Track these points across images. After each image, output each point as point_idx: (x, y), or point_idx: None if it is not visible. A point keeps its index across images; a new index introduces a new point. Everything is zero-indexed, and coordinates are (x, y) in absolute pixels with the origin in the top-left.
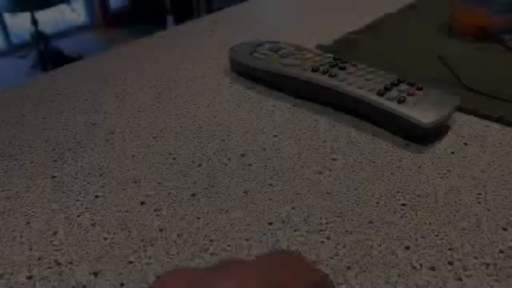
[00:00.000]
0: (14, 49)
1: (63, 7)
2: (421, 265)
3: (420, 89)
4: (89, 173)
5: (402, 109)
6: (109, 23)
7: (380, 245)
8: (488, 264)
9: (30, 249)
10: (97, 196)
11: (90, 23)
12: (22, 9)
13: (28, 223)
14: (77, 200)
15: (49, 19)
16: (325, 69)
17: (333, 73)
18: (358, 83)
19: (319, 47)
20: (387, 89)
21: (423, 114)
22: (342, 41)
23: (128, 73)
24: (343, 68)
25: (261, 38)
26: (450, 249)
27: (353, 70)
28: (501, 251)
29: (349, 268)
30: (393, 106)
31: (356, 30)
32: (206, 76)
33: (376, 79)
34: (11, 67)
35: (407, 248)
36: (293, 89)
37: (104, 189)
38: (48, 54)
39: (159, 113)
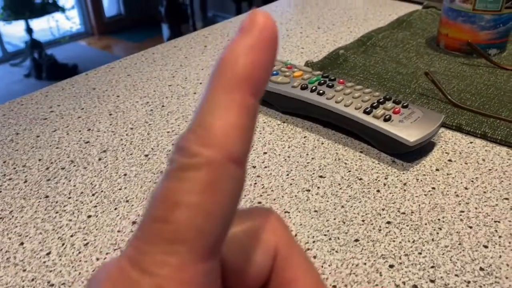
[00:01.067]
0: (8, 57)
1: (57, 15)
2: (404, 283)
3: (405, 107)
4: (81, 192)
5: (387, 127)
6: (104, 31)
7: (365, 264)
8: (468, 282)
9: (24, 270)
10: (89, 216)
11: (85, 31)
12: (17, 17)
13: (22, 243)
14: (70, 220)
15: (44, 27)
16: (314, 87)
17: (321, 91)
18: (346, 101)
19: (309, 63)
20: (373, 107)
21: (408, 132)
22: (331, 57)
23: (121, 90)
24: (331, 86)
25: None
26: (432, 267)
27: (341, 87)
28: (481, 269)
29: (334, 287)
30: (379, 124)
31: (345, 45)
32: (198, 92)
33: (363, 97)
34: (5, 75)
35: (391, 266)
36: (282, 105)
37: (96, 208)
38: (42, 62)
39: (151, 130)
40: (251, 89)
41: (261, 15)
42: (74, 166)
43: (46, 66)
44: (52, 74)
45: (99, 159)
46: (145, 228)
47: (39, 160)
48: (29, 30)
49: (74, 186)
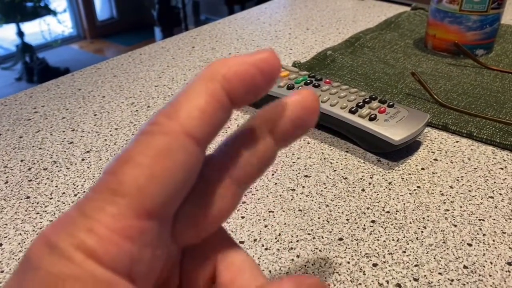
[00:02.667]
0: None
1: (49, 18)
2: (387, 282)
3: (391, 106)
4: (63, 193)
5: (373, 127)
6: (96, 35)
7: (348, 262)
8: (452, 280)
9: (2, 271)
10: None
11: (77, 35)
12: (8, 21)
13: (1, 244)
14: (51, 221)
15: (36, 30)
16: (300, 87)
17: None
18: (332, 100)
19: (296, 64)
20: (359, 106)
21: (393, 132)
22: (319, 58)
23: (107, 90)
24: (317, 86)
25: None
26: (416, 265)
27: (327, 87)
28: (465, 267)
29: None
30: (364, 123)
31: (333, 46)
32: None
33: (349, 97)
34: None
35: (375, 265)
36: None
37: None
38: (33, 65)
39: (136, 131)
40: (226, 86)
41: (269, 52)
42: (57, 166)
43: (37, 69)
44: (44, 78)
45: (83, 160)
46: (98, 180)
47: (21, 160)
48: (20, 34)
49: (56, 186)
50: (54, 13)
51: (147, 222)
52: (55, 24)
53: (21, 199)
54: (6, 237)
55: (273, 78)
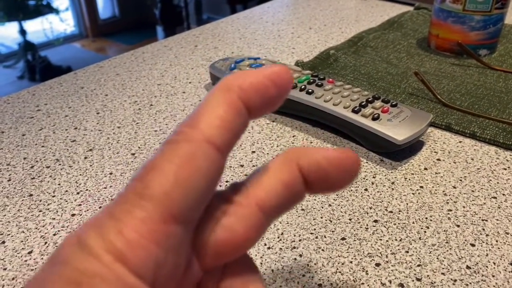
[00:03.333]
0: (2, 58)
1: (51, 17)
2: (390, 282)
3: (394, 106)
4: (66, 191)
5: (376, 126)
6: (99, 33)
7: (351, 262)
8: (455, 280)
9: (4, 269)
10: (73, 215)
11: (79, 33)
12: (10, 19)
13: (4, 242)
14: (54, 219)
15: (38, 29)
16: (303, 86)
17: (310, 90)
18: (334, 100)
19: (299, 63)
20: (362, 106)
21: (396, 131)
22: (322, 57)
23: (109, 89)
24: (320, 85)
25: (242, 54)
26: (419, 265)
27: (330, 87)
28: (468, 267)
29: (320, 285)
30: (367, 123)
31: (336, 45)
32: (187, 91)
33: (352, 96)
34: None
35: (378, 265)
36: None
37: (80, 207)
38: (35, 64)
39: (138, 129)
40: (242, 96)
41: (282, 66)
42: (60, 164)
43: (39, 68)
44: (46, 76)
45: (85, 158)
46: (125, 187)
47: (24, 158)
48: (22, 32)
49: (59, 184)
50: (56, 11)
51: (173, 227)
52: (57, 23)
53: (24, 196)
54: (9, 234)
55: (285, 90)
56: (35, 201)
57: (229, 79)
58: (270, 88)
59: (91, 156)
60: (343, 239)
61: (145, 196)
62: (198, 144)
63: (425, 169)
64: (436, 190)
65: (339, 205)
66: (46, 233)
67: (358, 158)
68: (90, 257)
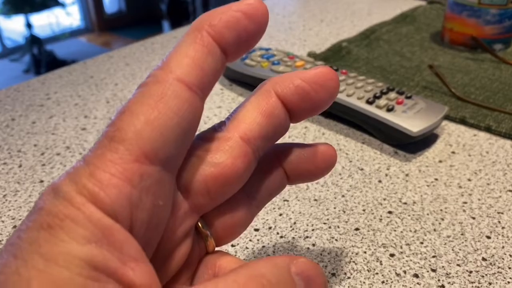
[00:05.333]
0: (8, 52)
1: (58, 11)
2: (404, 272)
3: (409, 97)
4: None
5: (390, 118)
6: (105, 28)
7: (365, 252)
8: (470, 272)
9: None
10: None
11: (85, 28)
12: (17, 12)
13: (15, 226)
14: None
15: (44, 23)
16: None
17: None
18: (348, 91)
19: (311, 54)
20: (376, 97)
21: (411, 123)
22: (334, 49)
23: (119, 78)
24: None
25: None
26: (434, 256)
27: (344, 78)
28: (484, 259)
29: (333, 274)
30: (381, 114)
31: (348, 38)
32: None
33: (365, 87)
34: (4, 70)
35: (392, 255)
36: None
37: None
38: (41, 58)
39: None
40: (212, 33)
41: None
42: (70, 152)
43: (45, 62)
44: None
45: (97, 139)
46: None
47: (35, 145)
48: (28, 26)
49: (72, 166)
50: (62, 5)
51: (147, 167)
52: (64, 17)
53: (35, 183)
54: (21, 219)
55: (260, 22)
56: (46, 187)
57: (200, 19)
58: (242, 20)
59: None
60: (356, 229)
61: (116, 138)
62: (167, 84)
63: (440, 161)
64: (451, 182)
65: (352, 196)
66: None
67: (334, 73)
68: (64, 201)
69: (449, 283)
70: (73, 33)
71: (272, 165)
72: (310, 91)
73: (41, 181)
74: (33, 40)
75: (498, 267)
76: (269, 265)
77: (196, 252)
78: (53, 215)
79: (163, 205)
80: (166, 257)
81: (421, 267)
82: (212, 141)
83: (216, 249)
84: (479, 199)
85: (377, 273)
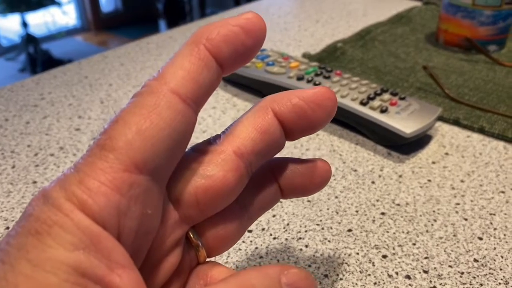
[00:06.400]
0: (3, 51)
1: (54, 9)
2: (397, 274)
3: (402, 99)
4: None
5: (384, 119)
6: (101, 27)
7: (357, 253)
8: (462, 273)
9: None
10: None
11: (81, 27)
12: (12, 11)
13: (8, 227)
14: None
15: (40, 21)
16: (310, 78)
17: (317, 82)
18: (342, 92)
19: (306, 55)
20: (370, 98)
21: (404, 124)
22: (329, 50)
23: (114, 79)
24: (327, 77)
25: None
26: (426, 257)
27: (338, 79)
28: (475, 260)
29: (326, 276)
30: (375, 115)
31: (343, 38)
32: None
33: (359, 89)
34: (0, 69)
35: (384, 256)
36: None
37: None
38: (37, 57)
39: None
40: (209, 47)
41: (252, 12)
42: (63, 153)
43: (41, 61)
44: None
45: (89, 146)
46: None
47: (28, 146)
48: (24, 24)
49: (63, 172)
50: (58, 4)
51: (136, 176)
52: (60, 16)
53: (28, 183)
54: (13, 220)
55: (257, 36)
56: (39, 188)
57: (198, 32)
58: (240, 35)
59: None
60: (349, 230)
61: (106, 146)
62: (161, 94)
63: (433, 163)
64: (443, 183)
65: (345, 197)
66: None
67: (333, 93)
68: (52, 208)
69: (441, 284)
70: (69, 32)
71: (266, 179)
72: (307, 110)
73: (34, 182)
74: (29, 39)
75: (490, 268)
76: (259, 275)
77: (187, 262)
78: (41, 221)
79: (151, 214)
80: (155, 266)
81: (413, 269)
82: (205, 154)
83: (209, 259)
84: (471, 201)
85: (369, 275)
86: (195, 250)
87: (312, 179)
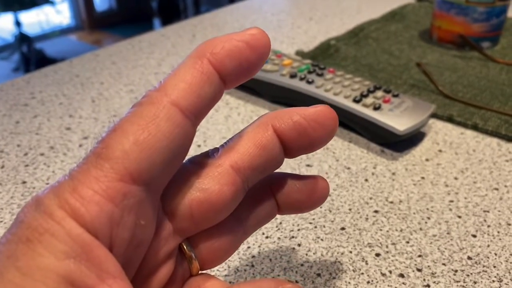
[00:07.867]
0: None
1: (47, 8)
2: (390, 272)
3: (396, 96)
4: None
5: (377, 116)
6: (95, 26)
7: (350, 252)
8: (456, 271)
9: None
10: None
11: (75, 25)
12: (5, 10)
13: None
14: None
15: (33, 20)
16: (303, 75)
17: (310, 80)
18: (335, 89)
19: (299, 53)
20: (363, 96)
21: (398, 121)
22: (322, 47)
23: (105, 77)
24: (320, 75)
25: None
26: (419, 255)
27: (331, 76)
28: (469, 258)
29: (318, 275)
30: (368, 113)
31: (337, 36)
32: None
33: (353, 86)
34: None
35: (378, 255)
36: (271, 94)
37: None
38: (31, 56)
39: None
40: (213, 61)
41: (257, 28)
42: (54, 152)
43: (34, 60)
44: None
45: (80, 146)
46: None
47: (18, 145)
48: (17, 24)
49: (53, 172)
50: (52, 3)
51: (131, 187)
52: (53, 15)
53: (17, 184)
54: (2, 221)
55: (261, 52)
56: (29, 188)
57: (202, 46)
58: (244, 51)
59: (86, 144)
60: (342, 229)
61: (102, 155)
62: (161, 106)
63: (427, 160)
64: (437, 181)
65: (338, 195)
66: None
67: (334, 113)
68: (44, 215)
69: (434, 282)
70: (63, 31)
71: (263, 194)
72: (308, 128)
73: (24, 182)
74: (23, 39)
75: (484, 266)
76: None
77: (179, 274)
78: (32, 229)
79: (145, 225)
80: (147, 277)
81: (407, 267)
82: (202, 167)
83: (202, 272)
84: (465, 198)
85: (362, 273)
86: (188, 262)
87: (309, 195)
